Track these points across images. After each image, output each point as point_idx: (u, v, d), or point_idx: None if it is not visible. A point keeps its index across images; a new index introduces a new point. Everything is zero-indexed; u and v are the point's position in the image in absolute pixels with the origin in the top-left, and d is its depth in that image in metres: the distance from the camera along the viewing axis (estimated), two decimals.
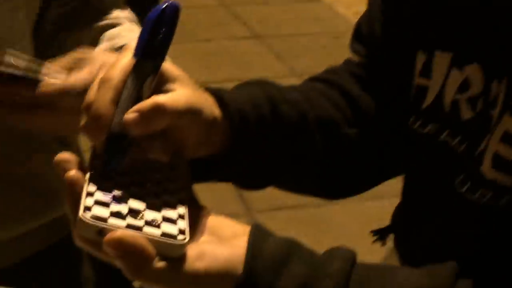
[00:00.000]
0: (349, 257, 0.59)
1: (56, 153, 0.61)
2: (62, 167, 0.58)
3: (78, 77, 0.80)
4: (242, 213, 2.62)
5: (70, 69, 0.82)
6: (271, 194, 0.96)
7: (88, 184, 0.57)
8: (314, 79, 0.87)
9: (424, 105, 0.76)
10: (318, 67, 0.91)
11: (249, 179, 0.77)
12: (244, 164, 0.75)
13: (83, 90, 0.77)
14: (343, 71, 0.86)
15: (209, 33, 4.37)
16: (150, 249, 0.53)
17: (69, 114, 0.81)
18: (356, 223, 2.67)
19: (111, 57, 0.83)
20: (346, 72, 0.86)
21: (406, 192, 0.84)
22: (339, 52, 0.89)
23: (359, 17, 0.87)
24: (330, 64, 0.89)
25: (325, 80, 0.85)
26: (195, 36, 3.98)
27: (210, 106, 0.68)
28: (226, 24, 4.55)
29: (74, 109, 0.78)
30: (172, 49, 0.66)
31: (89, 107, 0.61)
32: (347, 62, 0.87)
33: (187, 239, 0.55)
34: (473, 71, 0.71)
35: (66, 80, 0.80)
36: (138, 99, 0.61)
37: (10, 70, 0.77)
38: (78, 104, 0.77)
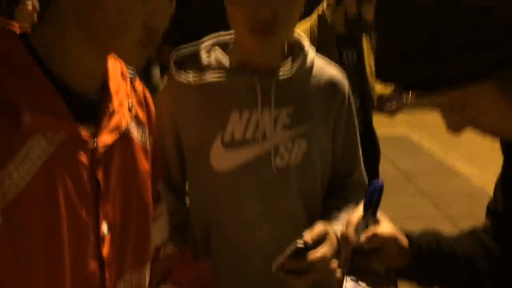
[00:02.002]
0: None
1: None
2: (331, 272, 0.90)
3: (328, 249, 1.10)
4: None
5: (317, 240, 1.10)
6: None
7: (346, 278, 0.84)
8: (462, 233, 1.10)
9: None
10: (461, 215, 1.53)
11: (422, 283, 1.04)
12: (420, 276, 1.03)
13: (333, 255, 1.11)
14: (480, 229, 1.10)
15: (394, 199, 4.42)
16: None
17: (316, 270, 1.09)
18: None
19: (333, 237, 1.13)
20: (482, 230, 1.09)
21: None
22: (474, 208, 1.34)
23: (486, 184, 1.56)
24: (468, 213, 1.45)
25: (470, 232, 1.09)
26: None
27: (403, 238, 0.99)
28: (404, 191, 4.92)
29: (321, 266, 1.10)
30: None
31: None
32: (484, 224, 1.09)
33: None
34: None
35: (325, 251, 1.09)
36: (366, 229, 0.92)
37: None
38: (325, 263, 1.09)
